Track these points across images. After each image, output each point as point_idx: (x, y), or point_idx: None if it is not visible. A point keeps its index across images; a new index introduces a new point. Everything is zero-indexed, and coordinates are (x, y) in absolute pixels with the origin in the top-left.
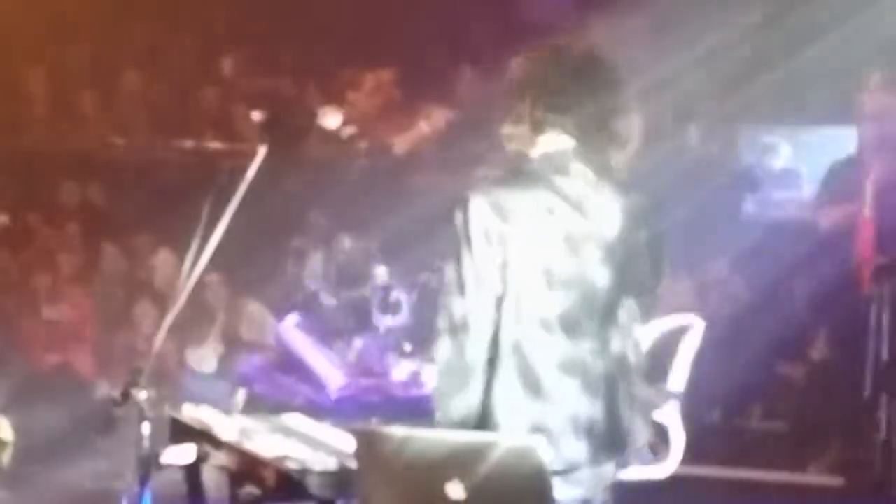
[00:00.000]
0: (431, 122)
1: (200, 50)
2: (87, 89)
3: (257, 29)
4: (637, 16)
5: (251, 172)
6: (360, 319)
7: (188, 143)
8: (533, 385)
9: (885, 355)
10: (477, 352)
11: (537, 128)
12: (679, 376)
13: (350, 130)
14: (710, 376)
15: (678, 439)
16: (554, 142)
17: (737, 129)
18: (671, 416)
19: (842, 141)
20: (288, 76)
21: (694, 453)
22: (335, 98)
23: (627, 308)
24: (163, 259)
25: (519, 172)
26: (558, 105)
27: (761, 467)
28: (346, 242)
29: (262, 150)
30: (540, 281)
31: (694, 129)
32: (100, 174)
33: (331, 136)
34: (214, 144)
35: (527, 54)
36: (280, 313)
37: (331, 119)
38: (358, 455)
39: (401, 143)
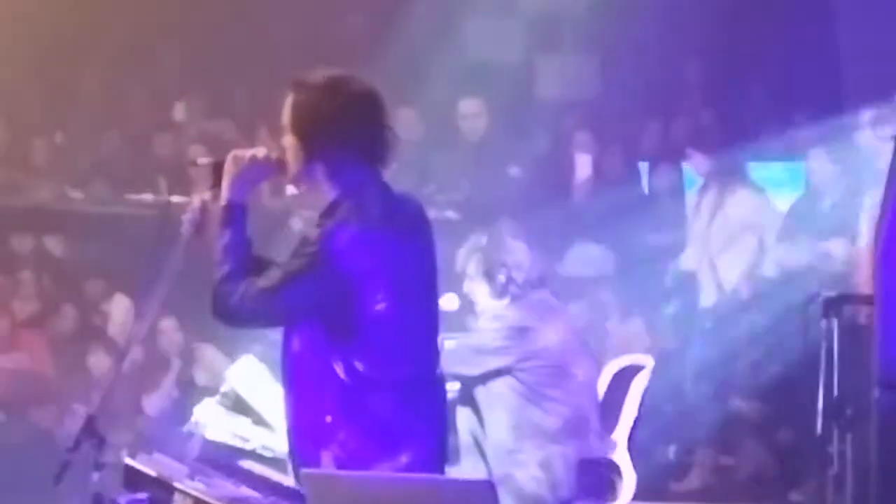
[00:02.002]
0: None
1: (153, 96)
2: (39, 139)
3: (210, 73)
4: (585, 53)
5: (199, 216)
6: None
7: (146, 197)
8: None
9: (835, 390)
10: None
11: None
12: (629, 414)
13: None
14: (664, 413)
15: (629, 476)
16: None
17: (684, 165)
18: (621, 454)
19: (794, 176)
20: (239, 121)
21: (648, 490)
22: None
23: None
24: (117, 303)
25: None
26: None
27: (715, 503)
28: None
29: (209, 195)
30: None
31: (642, 166)
32: (57, 227)
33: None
34: (174, 198)
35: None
36: (234, 356)
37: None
38: (310, 499)
39: None
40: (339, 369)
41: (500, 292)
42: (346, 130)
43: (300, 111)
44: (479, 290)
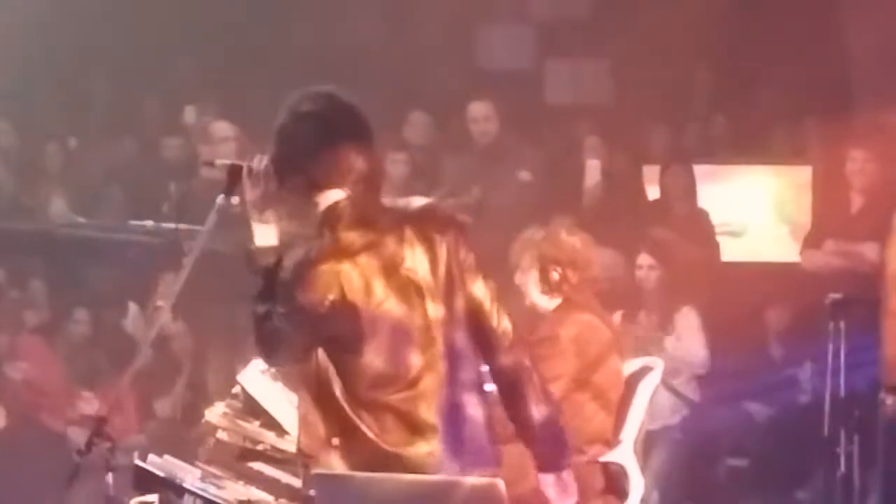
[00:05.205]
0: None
1: (164, 104)
2: (52, 144)
3: (222, 78)
4: (595, 58)
5: (212, 220)
6: None
7: (148, 224)
8: None
9: (842, 391)
10: None
11: None
12: (637, 416)
13: None
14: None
15: (637, 478)
16: None
17: (693, 170)
18: (629, 456)
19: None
20: (250, 126)
21: (659, 491)
22: None
23: None
24: (129, 308)
25: None
26: None
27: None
28: None
29: (221, 198)
30: None
31: (651, 171)
32: (66, 249)
33: None
34: (179, 225)
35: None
36: (245, 359)
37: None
38: (320, 500)
39: None
40: (338, 392)
41: (552, 290)
42: (301, 153)
43: (275, 128)
44: (531, 286)
